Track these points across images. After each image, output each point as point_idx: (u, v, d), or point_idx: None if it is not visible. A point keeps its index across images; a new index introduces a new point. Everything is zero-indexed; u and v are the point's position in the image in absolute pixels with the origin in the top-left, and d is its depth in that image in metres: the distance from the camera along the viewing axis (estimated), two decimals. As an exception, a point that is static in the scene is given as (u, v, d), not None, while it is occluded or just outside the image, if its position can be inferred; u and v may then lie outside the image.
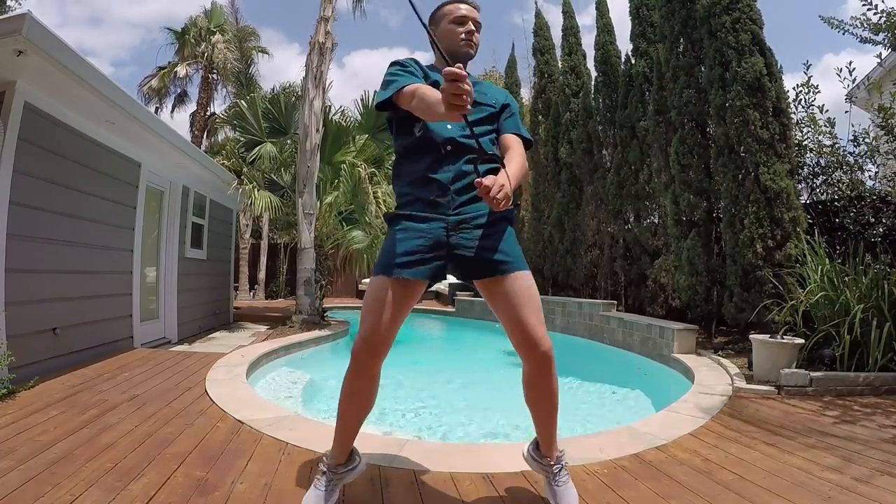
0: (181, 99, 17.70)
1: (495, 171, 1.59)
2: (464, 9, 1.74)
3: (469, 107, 1.28)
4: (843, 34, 4.32)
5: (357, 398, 1.67)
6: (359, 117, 8.59)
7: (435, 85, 1.56)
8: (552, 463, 1.77)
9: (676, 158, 5.62)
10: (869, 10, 4.08)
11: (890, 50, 4.31)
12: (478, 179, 1.42)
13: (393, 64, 1.72)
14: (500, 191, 1.42)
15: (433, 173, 1.65)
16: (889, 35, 4.01)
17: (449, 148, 1.66)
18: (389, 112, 1.69)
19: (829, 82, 12.97)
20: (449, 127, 1.67)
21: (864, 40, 4.21)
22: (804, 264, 4.28)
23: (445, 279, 1.71)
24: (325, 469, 1.71)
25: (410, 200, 1.69)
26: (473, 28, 1.73)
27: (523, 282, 1.65)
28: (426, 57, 1.99)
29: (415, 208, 1.66)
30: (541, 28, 10.09)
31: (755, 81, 4.77)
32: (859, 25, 4.15)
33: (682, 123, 5.65)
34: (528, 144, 1.81)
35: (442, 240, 1.63)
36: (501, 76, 13.44)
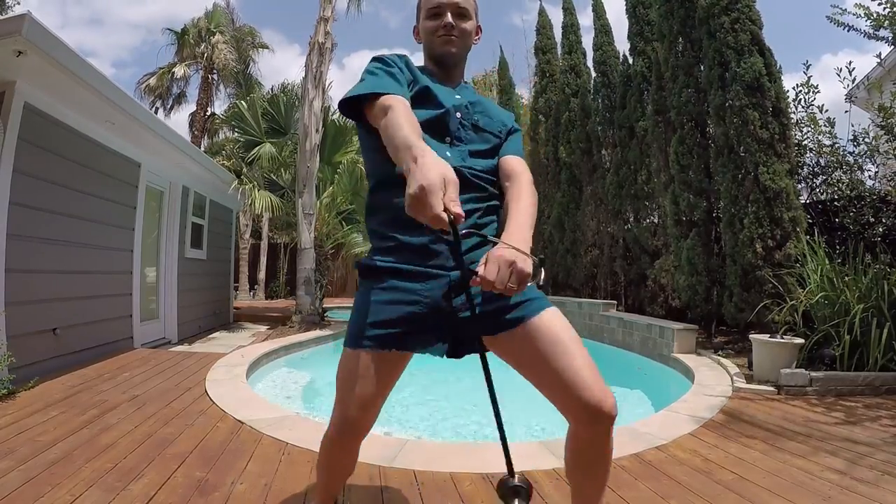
0: (179, 100, 17.71)
1: (495, 210, 1.28)
2: None
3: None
4: (847, 31, 4.30)
5: (336, 469, 1.44)
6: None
7: (424, 94, 1.28)
8: None
9: (676, 158, 5.62)
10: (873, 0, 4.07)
11: (892, 47, 4.30)
12: (473, 279, 0.99)
13: (373, 60, 1.31)
14: (510, 271, 0.96)
15: None
16: (893, 29, 3.99)
17: None
18: (362, 122, 1.24)
19: (827, 84, 12.99)
20: (448, 154, 1.24)
21: (867, 36, 4.20)
22: (804, 264, 4.28)
23: (443, 357, 1.24)
24: None
25: (394, 247, 1.23)
26: (451, 20, 1.33)
27: (556, 321, 1.18)
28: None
29: (401, 258, 1.22)
30: (543, 27, 10.09)
31: (754, 81, 4.77)
32: (863, 15, 4.13)
33: (682, 123, 5.65)
34: None
35: (441, 305, 1.18)
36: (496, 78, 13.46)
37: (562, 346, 1.13)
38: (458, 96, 1.36)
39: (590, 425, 1.12)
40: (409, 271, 1.21)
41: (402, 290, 1.20)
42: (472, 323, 1.15)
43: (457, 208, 0.88)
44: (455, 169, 0.99)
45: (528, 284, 1.00)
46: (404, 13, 50.13)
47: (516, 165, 1.32)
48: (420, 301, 1.19)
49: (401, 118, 1.05)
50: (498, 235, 1.17)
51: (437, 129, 1.26)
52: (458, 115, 1.31)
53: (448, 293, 1.18)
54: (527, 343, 1.16)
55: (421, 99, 1.27)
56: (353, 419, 1.25)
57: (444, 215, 0.87)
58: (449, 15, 1.33)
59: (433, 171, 0.89)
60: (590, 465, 1.21)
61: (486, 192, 1.27)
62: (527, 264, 0.98)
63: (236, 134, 8.93)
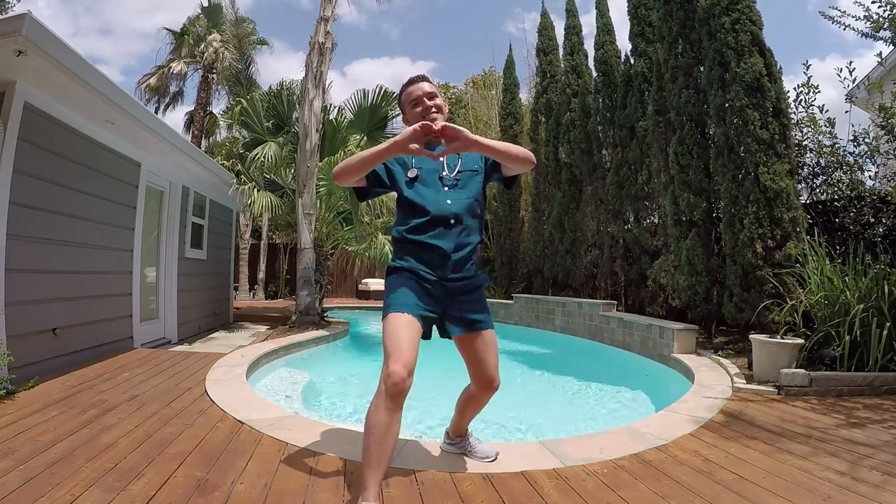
0: (176, 98, 17.66)
1: (475, 244, 1.94)
2: (413, 90, 1.94)
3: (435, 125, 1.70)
4: (844, 29, 4.29)
5: (387, 430, 1.62)
6: (351, 116, 8.55)
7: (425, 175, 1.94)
8: (467, 436, 2.25)
9: (676, 158, 5.62)
10: (873, 2, 4.06)
11: (892, 47, 4.29)
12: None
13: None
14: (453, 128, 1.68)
15: (437, 241, 1.85)
16: (893, 29, 3.98)
17: (452, 222, 1.87)
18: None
19: (822, 87, 12.97)
20: (449, 202, 1.88)
21: (865, 35, 4.19)
22: (804, 264, 4.27)
23: (430, 338, 1.93)
24: None
25: (414, 258, 1.87)
26: (428, 102, 1.91)
27: (492, 337, 1.99)
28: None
29: (419, 266, 1.86)
30: (545, 28, 10.10)
31: (755, 82, 4.77)
32: (861, 17, 4.12)
33: (682, 123, 5.65)
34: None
35: (442, 302, 1.87)
36: (500, 76, 13.44)
37: (494, 351, 1.99)
38: (441, 159, 1.92)
39: (485, 390, 2.02)
40: (424, 275, 1.86)
41: (421, 286, 1.85)
42: (458, 322, 1.91)
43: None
44: (458, 214, 1.88)
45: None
46: (403, 25, 50.95)
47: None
48: (432, 295, 1.86)
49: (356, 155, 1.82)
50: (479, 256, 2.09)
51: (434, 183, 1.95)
52: (445, 172, 1.96)
53: (445, 296, 1.89)
54: (479, 342, 1.95)
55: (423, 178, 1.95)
56: (405, 355, 1.65)
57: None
58: (426, 100, 1.91)
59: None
60: (474, 409, 2.14)
61: (470, 228, 1.92)
62: (459, 131, 1.68)
63: (243, 133, 8.88)
